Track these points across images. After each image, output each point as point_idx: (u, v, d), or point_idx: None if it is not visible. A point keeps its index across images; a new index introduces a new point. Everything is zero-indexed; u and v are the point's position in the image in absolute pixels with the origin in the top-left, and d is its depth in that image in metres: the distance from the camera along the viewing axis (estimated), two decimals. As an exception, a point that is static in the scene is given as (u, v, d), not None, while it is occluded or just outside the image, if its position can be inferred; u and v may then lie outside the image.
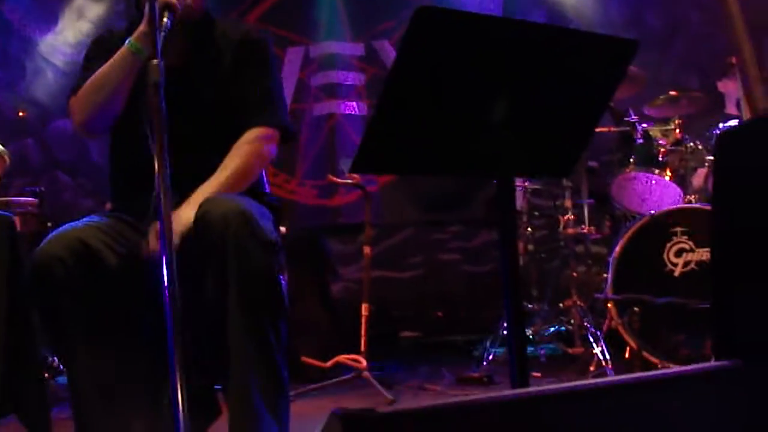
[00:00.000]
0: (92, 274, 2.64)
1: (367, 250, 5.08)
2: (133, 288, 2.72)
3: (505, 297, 2.19)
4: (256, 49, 3.07)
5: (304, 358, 5.22)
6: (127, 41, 2.84)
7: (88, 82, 2.91)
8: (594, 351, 4.99)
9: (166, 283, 2.23)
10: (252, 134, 2.96)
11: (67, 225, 2.75)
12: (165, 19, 2.59)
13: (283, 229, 6.15)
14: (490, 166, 2.24)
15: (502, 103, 2.16)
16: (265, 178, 3.20)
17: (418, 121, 2.10)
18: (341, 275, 7.27)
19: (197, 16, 3.00)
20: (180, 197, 2.72)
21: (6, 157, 5.66)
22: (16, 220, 5.37)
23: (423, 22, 1.96)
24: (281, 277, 3.07)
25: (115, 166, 3.09)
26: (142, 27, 2.80)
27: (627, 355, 5.00)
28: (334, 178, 5.68)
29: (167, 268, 2.24)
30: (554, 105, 2.27)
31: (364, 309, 4.96)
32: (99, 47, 3.07)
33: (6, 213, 3.34)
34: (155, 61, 2.41)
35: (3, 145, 5.67)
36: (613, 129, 5.75)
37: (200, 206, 2.65)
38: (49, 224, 5.37)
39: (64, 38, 7.70)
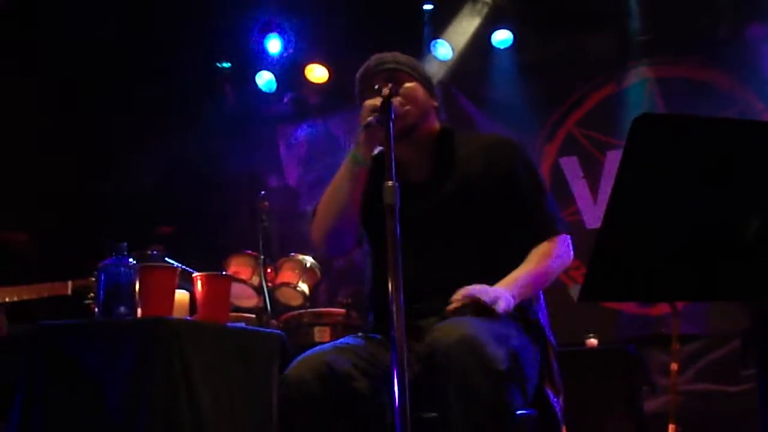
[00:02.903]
0: (339, 400, 2.57)
1: (674, 366, 4.73)
2: (384, 413, 2.63)
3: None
4: (517, 157, 3.01)
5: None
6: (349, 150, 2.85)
7: (321, 200, 2.93)
8: None
9: (397, 406, 2.22)
10: (550, 241, 2.92)
11: (317, 347, 2.72)
12: (370, 118, 2.68)
13: (594, 341, 5.96)
14: (744, 291, 1.95)
15: (754, 217, 1.88)
16: (542, 301, 3.05)
17: (652, 241, 1.87)
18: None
19: (422, 128, 2.96)
20: (439, 305, 2.68)
21: (317, 271, 5.85)
22: (327, 330, 5.53)
23: (645, 132, 1.75)
24: (555, 401, 2.91)
25: (374, 281, 3.01)
26: (360, 136, 2.81)
27: None
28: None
29: (399, 393, 2.22)
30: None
31: (671, 430, 4.59)
32: None
33: (277, 331, 3.40)
34: (390, 183, 2.37)
35: (315, 259, 5.87)
36: None
37: (431, 332, 2.53)
38: (360, 334, 5.43)
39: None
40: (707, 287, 1.99)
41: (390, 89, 2.67)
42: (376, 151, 2.89)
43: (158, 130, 8.02)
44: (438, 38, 7.50)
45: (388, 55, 3.02)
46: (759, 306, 1.90)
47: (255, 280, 5.63)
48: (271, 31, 7.79)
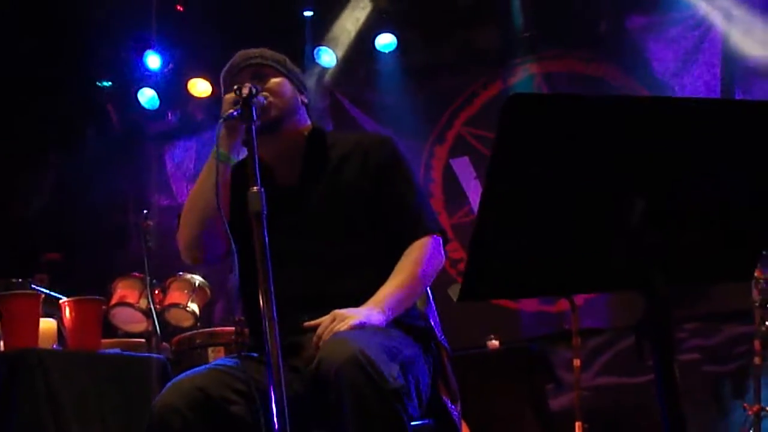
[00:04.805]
0: (216, 426, 2.44)
1: (576, 362, 4.66)
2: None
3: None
4: (390, 156, 2.90)
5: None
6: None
7: (185, 204, 2.78)
8: None
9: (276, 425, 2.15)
10: (420, 243, 2.77)
11: (189, 371, 2.58)
12: (231, 111, 2.52)
13: (496, 343, 5.90)
14: (634, 276, 1.84)
15: (640, 199, 1.76)
16: (432, 306, 2.96)
17: (533, 233, 1.75)
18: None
19: (289, 125, 2.86)
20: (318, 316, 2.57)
21: (207, 289, 5.67)
22: (221, 350, 5.34)
23: (517, 113, 1.62)
24: (453, 408, 2.83)
25: (245, 295, 2.84)
26: (221, 130, 2.66)
27: None
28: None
29: (277, 408, 2.16)
30: (717, 194, 1.85)
31: (578, 428, 4.52)
32: None
33: (157, 355, 3.25)
34: (255, 189, 2.25)
35: (204, 278, 5.69)
36: None
37: (321, 349, 2.41)
38: (236, 354, 5.28)
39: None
40: (597, 278, 1.88)
41: (250, 89, 2.52)
42: (242, 156, 2.75)
43: (40, 155, 7.78)
44: (320, 45, 7.36)
45: (254, 51, 2.91)
46: (651, 293, 1.78)
47: (143, 303, 5.42)
48: (150, 47, 7.58)
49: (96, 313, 3.11)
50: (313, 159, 2.87)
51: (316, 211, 2.79)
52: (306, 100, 2.95)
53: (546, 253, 1.77)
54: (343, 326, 2.47)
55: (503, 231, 1.72)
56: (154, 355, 3.31)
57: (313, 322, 2.55)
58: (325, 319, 2.53)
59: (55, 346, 3.06)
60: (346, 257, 2.74)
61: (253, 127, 2.44)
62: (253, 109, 2.49)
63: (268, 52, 2.91)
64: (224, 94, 2.82)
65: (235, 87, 2.55)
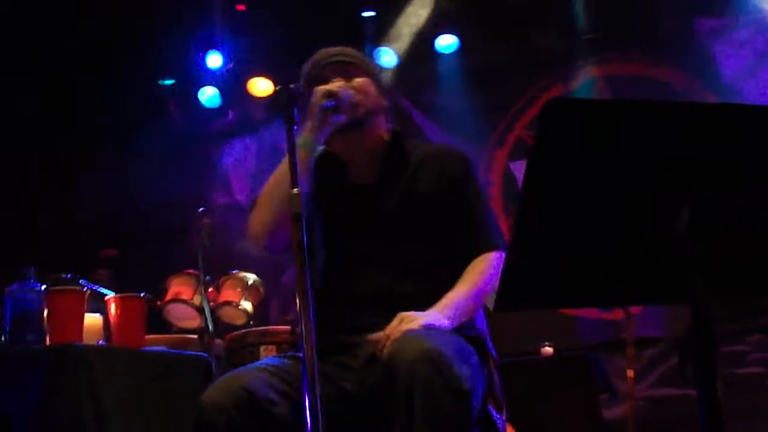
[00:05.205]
0: (260, 426, 2.42)
1: (630, 372, 4.57)
2: None
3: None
4: (464, 170, 2.90)
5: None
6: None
7: (264, 189, 2.74)
8: None
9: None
10: (486, 257, 2.78)
11: (239, 368, 2.59)
12: (325, 102, 2.58)
13: (550, 350, 5.81)
14: (678, 291, 1.77)
15: (685, 207, 1.70)
16: (480, 312, 2.91)
17: (573, 241, 1.69)
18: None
19: (372, 126, 2.84)
20: (377, 320, 2.55)
21: (260, 288, 5.66)
22: (273, 349, 5.34)
23: (556, 119, 1.57)
24: (498, 417, 2.79)
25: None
26: (308, 120, 2.65)
27: None
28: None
29: (311, 414, 2.13)
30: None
31: (631, 440, 4.44)
32: None
33: (203, 354, 3.24)
34: (296, 191, 2.23)
35: (258, 276, 5.69)
36: None
37: (392, 347, 2.40)
38: (286, 354, 5.28)
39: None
40: (639, 289, 1.82)
41: (283, 87, 2.48)
42: (320, 149, 2.79)
43: (103, 153, 7.86)
44: (381, 45, 7.33)
45: (337, 48, 2.90)
46: (695, 305, 1.72)
47: (197, 300, 5.43)
48: (212, 46, 7.61)
49: (140, 311, 3.11)
50: (392, 162, 2.86)
51: (390, 213, 2.79)
52: (386, 104, 2.94)
53: (585, 263, 1.72)
54: (413, 325, 2.46)
55: (542, 239, 1.67)
56: (199, 353, 3.32)
57: (377, 336, 2.52)
58: (391, 323, 2.52)
59: (100, 342, 3.07)
60: (414, 261, 2.74)
61: (294, 127, 2.41)
62: (295, 108, 2.45)
63: (351, 50, 2.91)
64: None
65: (279, 86, 2.51)
